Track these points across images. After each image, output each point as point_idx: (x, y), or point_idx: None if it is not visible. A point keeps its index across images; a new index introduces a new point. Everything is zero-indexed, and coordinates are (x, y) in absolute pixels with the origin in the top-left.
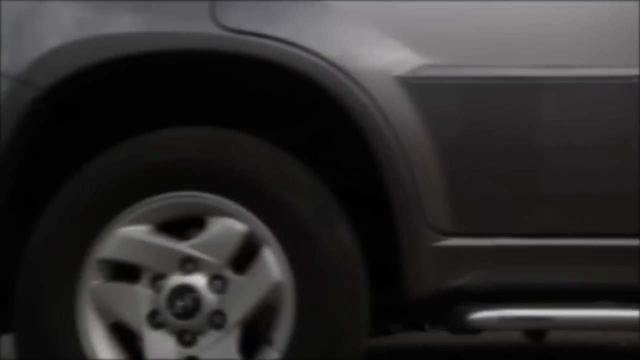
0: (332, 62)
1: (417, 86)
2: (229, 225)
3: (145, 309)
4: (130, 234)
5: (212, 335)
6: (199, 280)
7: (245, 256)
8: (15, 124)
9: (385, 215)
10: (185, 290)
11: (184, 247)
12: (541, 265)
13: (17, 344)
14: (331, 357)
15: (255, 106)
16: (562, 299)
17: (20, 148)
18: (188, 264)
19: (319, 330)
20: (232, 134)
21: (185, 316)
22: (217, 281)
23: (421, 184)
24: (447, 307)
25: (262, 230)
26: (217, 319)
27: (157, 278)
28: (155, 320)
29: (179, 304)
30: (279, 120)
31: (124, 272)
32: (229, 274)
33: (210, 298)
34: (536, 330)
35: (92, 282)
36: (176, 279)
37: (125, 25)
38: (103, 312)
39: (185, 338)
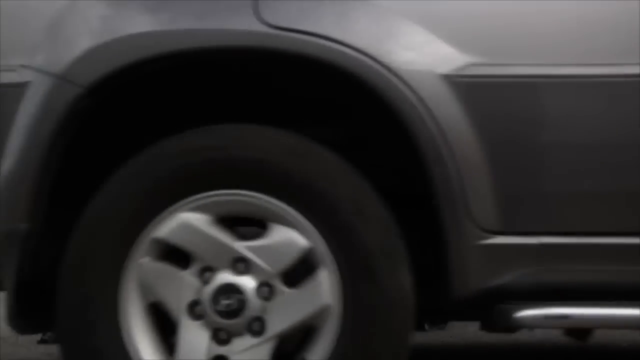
0: (379, 60)
1: (462, 84)
2: (292, 238)
3: (187, 297)
4: (191, 221)
5: (247, 340)
6: (248, 282)
7: (297, 269)
8: (57, 122)
9: (427, 214)
10: (232, 289)
11: (241, 246)
12: (587, 264)
13: (58, 320)
14: None
15: (292, 105)
16: (607, 298)
17: (60, 146)
18: (240, 263)
19: None
20: (313, 145)
21: (226, 315)
22: (266, 288)
23: (468, 182)
24: (490, 305)
25: (324, 251)
26: (256, 326)
27: (206, 270)
28: (194, 310)
29: (224, 302)
30: (314, 119)
31: (174, 256)
32: (279, 284)
33: (255, 303)
34: (579, 330)
35: (142, 259)
36: (226, 277)
37: (168, 22)
38: (145, 290)
39: (220, 336)
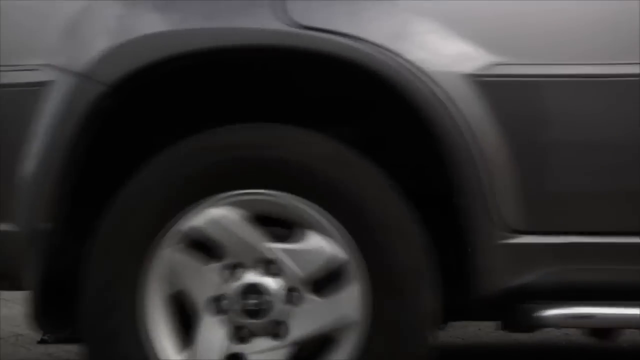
0: (405, 59)
1: (487, 84)
2: (328, 248)
3: (211, 290)
4: (226, 215)
5: (267, 342)
6: (277, 285)
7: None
8: (80, 121)
9: (447, 214)
10: (260, 289)
11: (275, 248)
12: (611, 264)
13: (81, 306)
14: None
15: (312, 104)
16: (631, 298)
17: (83, 145)
18: (272, 265)
19: None
20: (355, 155)
21: (251, 314)
22: (294, 293)
23: (492, 182)
24: (514, 304)
25: (357, 266)
26: (278, 329)
27: (236, 266)
28: (217, 305)
29: (251, 300)
30: (331, 119)
31: (201, 249)
32: (308, 291)
33: (281, 306)
34: (604, 329)
35: (169, 248)
36: (254, 276)
37: (193, 21)
38: (169, 280)
39: (241, 334)
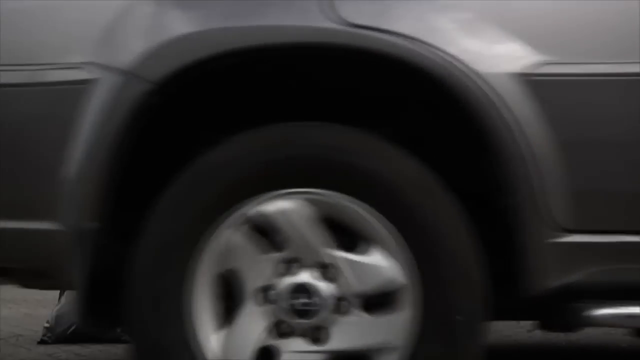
0: (455, 58)
1: (536, 83)
2: (390, 269)
3: (262, 280)
4: (297, 209)
5: (304, 344)
6: (328, 290)
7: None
8: (125, 119)
9: (490, 212)
10: (310, 291)
11: (337, 254)
12: None
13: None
14: None
15: (356, 102)
16: None
17: (128, 143)
18: (328, 270)
19: None
20: (435, 181)
21: (295, 312)
22: (343, 303)
23: (542, 181)
24: (561, 303)
25: (415, 294)
26: (320, 334)
27: (294, 261)
28: (264, 295)
29: (299, 300)
30: (375, 117)
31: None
32: (357, 304)
33: (326, 313)
34: None
35: (229, 228)
36: (309, 276)
37: (240, 18)
38: (221, 258)
39: (280, 329)
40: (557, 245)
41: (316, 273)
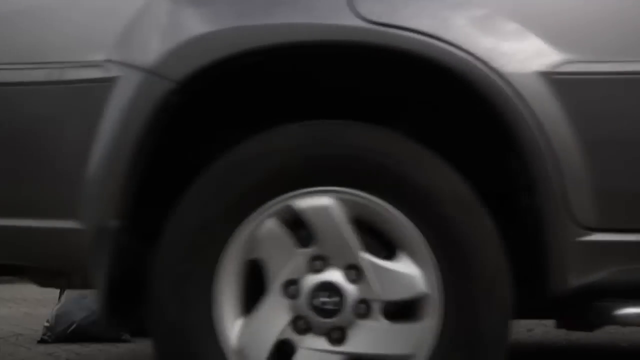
0: (477, 56)
1: (560, 81)
2: (416, 278)
3: (288, 273)
4: (333, 207)
5: (321, 342)
6: (352, 292)
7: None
8: (147, 117)
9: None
10: (335, 290)
11: (367, 258)
12: None
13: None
14: None
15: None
16: None
17: (150, 141)
18: (355, 271)
19: None
20: (474, 198)
21: (316, 309)
22: (364, 306)
23: (567, 180)
24: (585, 302)
25: (439, 307)
26: (337, 334)
27: (320, 259)
28: (288, 288)
29: (323, 298)
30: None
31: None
32: (379, 310)
33: (347, 314)
34: None
35: (260, 217)
36: (335, 276)
37: (262, 16)
38: (250, 246)
39: (299, 324)
40: (580, 244)
41: (341, 273)
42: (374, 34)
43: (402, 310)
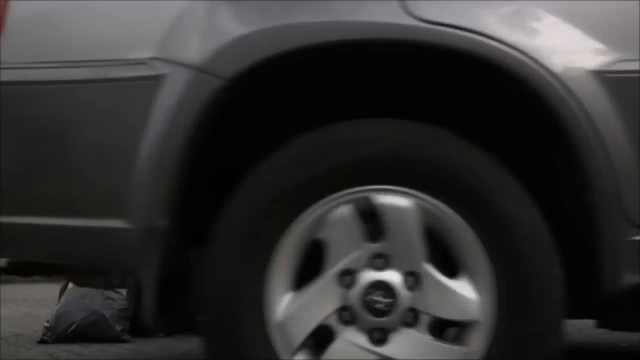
0: (531, 56)
1: (612, 80)
2: (473, 303)
3: (347, 262)
4: (410, 210)
5: (360, 337)
6: (405, 299)
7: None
8: (197, 115)
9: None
10: (389, 291)
11: (430, 270)
12: None
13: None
14: None
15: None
16: None
17: (198, 140)
18: (412, 277)
19: None
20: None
21: (366, 305)
22: (413, 315)
23: (618, 179)
24: (633, 302)
25: (490, 334)
26: (378, 335)
27: (380, 256)
28: (344, 278)
29: (373, 296)
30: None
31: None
32: (425, 322)
33: (394, 317)
34: None
35: (331, 204)
36: (393, 277)
37: (312, 14)
38: (314, 228)
39: (344, 315)
40: (632, 244)
41: (401, 277)
42: (427, 33)
43: (448, 326)
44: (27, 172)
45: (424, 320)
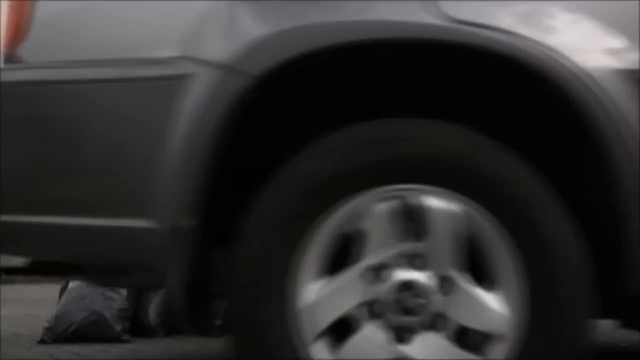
0: (559, 54)
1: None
2: (501, 316)
3: (380, 258)
4: (456, 217)
5: (381, 335)
6: (434, 302)
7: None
8: (224, 114)
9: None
10: (418, 292)
11: (465, 277)
12: None
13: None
14: None
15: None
16: None
17: (226, 139)
18: (446, 282)
19: None
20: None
21: (395, 304)
22: (439, 320)
23: None
24: None
25: (515, 348)
26: (401, 333)
27: (418, 256)
28: (374, 273)
29: (403, 294)
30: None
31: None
32: (451, 329)
33: (419, 319)
34: None
35: (366, 199)
36: (424, 278)
37: (340, 13)
38: (350, 220)
39: (371, 309)
40: None
41: (436, 280)
42: (456, 32)
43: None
44: (52, 171)
45: (451, 326)
